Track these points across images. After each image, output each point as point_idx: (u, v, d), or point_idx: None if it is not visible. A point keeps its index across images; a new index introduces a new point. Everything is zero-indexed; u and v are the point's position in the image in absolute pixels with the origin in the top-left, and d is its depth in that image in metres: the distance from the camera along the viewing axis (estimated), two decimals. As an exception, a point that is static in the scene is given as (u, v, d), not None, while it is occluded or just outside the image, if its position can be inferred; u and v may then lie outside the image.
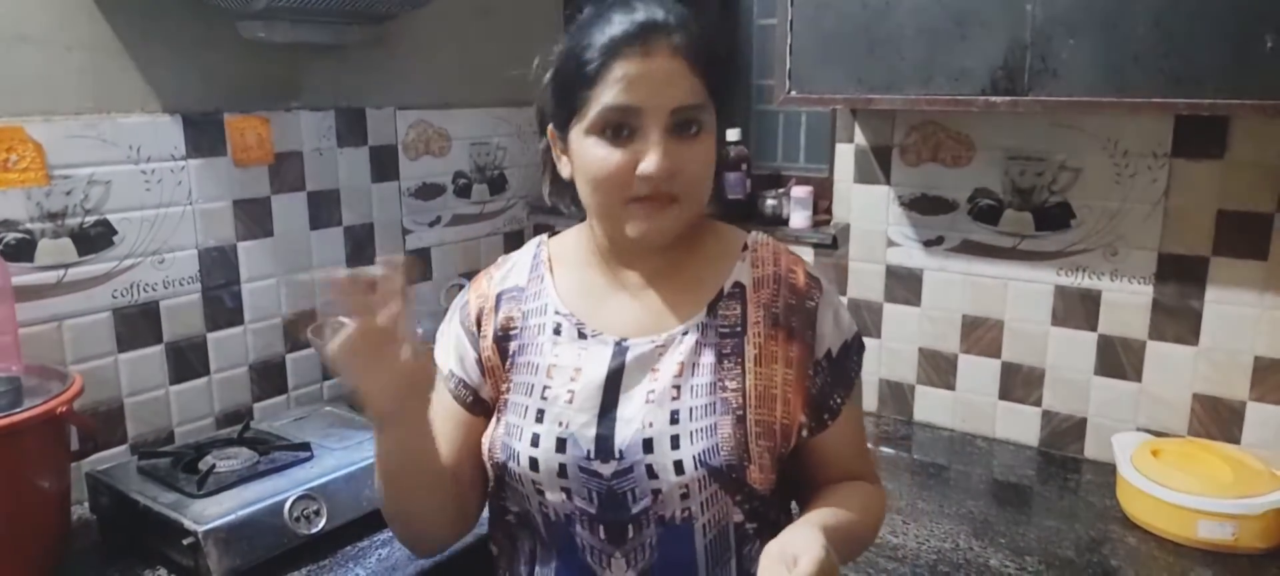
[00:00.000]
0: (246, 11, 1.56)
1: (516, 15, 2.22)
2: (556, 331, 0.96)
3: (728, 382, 0.90)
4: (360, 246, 1.94)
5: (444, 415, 1.00)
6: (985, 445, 1.80)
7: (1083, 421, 1.72)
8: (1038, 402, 1.76)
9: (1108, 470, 1.64)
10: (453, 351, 1.04)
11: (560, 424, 0.92)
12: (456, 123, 2.12)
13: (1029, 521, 1.50)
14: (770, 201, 2.00)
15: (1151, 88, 1.29)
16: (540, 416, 0.93)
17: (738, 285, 0.95)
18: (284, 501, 1.35)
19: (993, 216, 1.73)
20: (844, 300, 0.99)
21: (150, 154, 1.57)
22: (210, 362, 1.71)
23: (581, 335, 0.95)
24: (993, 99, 1.40)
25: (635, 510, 0.91)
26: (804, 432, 0.94)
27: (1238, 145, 1.49)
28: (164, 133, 1.59)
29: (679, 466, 0.88)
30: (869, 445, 1.07)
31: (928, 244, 1.81)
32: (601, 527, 0.93)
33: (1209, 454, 1.49)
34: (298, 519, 1.35)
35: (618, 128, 0.86)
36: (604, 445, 0.90)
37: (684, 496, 0.90)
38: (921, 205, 1.81)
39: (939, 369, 1.86)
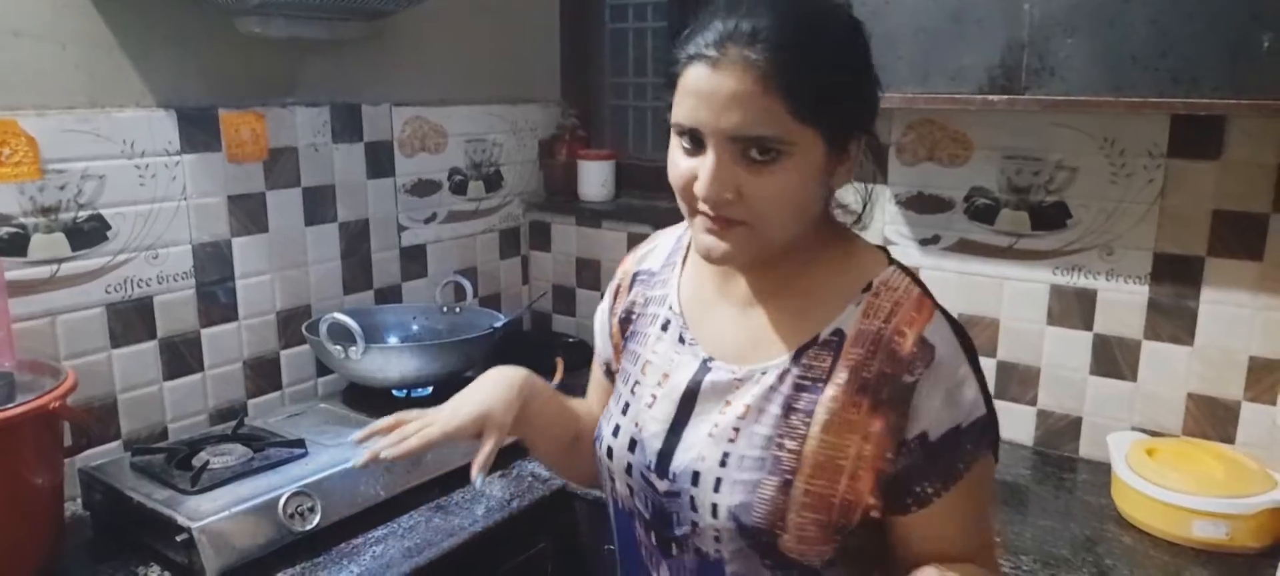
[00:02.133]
0: (243, 7, 1.55)
1: (514, 12, 2.22)
2: (664, 327, 0.95)
3: (787, 442, 0.83)
4: (355, 243, 1.94)
5: (594, 382, 1.12)
6: (980, 444, 1.80)
7: (1078, 420, 1.72)
8: (1033, 401, 1.76)
9: (1103, 469, 1.64)
10: (601, 323, 1.09)
11: (637, 424, 0.93)
12: (453, 119, 2.11)
13: (1024, 520, 1.50)
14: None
15: (1149, 87, 1.30)
16: (625, 409, 0.95)
17: (838, 332, 0.83)
18: (278, 498, 1.34)
19: (989, 215, 1.73)
20: (969, 376, 0.83)
21: (145, 149, 1.57)
22: (204, 359, 1.70)
23: (681, 339, 0.93)
24: (991, 97, 1.40)
25: (678, 532, 0.90)
26: (873, 514, 0.84)
27: (1234, 145, 1.49)
28: (158, 127, 1.58)
29: (714, 510, 0.86)
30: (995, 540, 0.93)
31: (923, 242, 1.81)
32: (653, 534, 0.93)
33: (1204, 453, 1.49)
34: (292, 515, 1.35)
35: (690, 134, 0.81)
36: (663, 462, 0.89)
37: (716, 538, 0.87)
38: (918, 204, 1.81)
39: (935, 368, 1.85)
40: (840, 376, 0.82)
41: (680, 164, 0.82)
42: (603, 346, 1.07)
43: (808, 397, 0.83)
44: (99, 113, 1.51)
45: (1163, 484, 1.41)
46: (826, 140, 0.79)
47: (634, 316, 1.00)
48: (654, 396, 0.92)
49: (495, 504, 1.54)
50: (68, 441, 1.36)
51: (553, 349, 2.05)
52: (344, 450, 1.51)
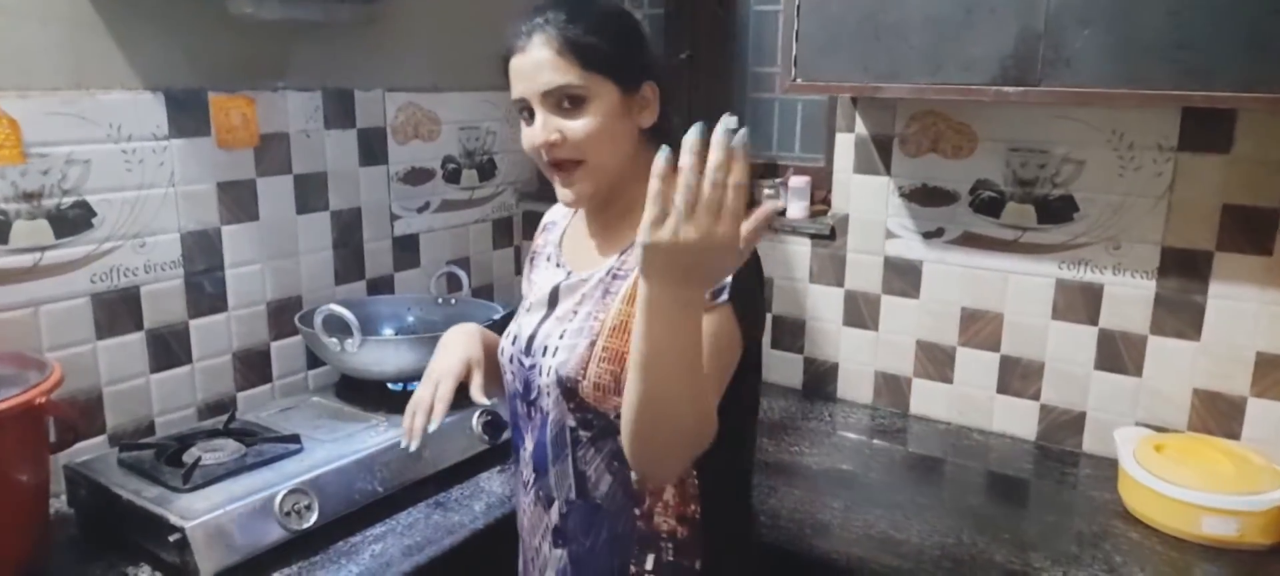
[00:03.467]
0: (233, -14, 1.50)
1: (508, -3, 2.17)
2: (548, 259, 1.20)
3: (598, 315, 1.05)
4: (348, 232, 1.89)
5: None
6: (982, 438, 1.79)
7: (1081, 415, 1.71)
8: (1036, 396, 1.75)
9: (1106, 464, 1.63)
10: (524, 273, 1.29)
11: (520, 325, 1.17)
12: (446, 106, 2.07)
13: (1029, 516, 1.49)
14: (767, 192, 1.97)
15: (1165, 79, 1.28)
16: (518, 327, 1.18)
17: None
18: (274, 496, 1.30)
19: (994, 209, 1.72)
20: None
21: (131, 133, 1.51)
22: (192, 350, 1.65)
23: (557, 264, 1.18)
24: (1004, 89, 1.38)
25: (532, 397, 1.12)
26: None
27: (1244, 139, 1.48)
28: (145, 111, 1.53)
29: (547, 371, 1.08)
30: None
31: (927, 236, 1.80)
32: (521, 403, 1.15)
33: (1211, 449, 1.48)
34: (288, 514, 1.30)
35: (524, 110, 1.07)
36: (529, 345, 1.13)
37: (547, 394, 1.09)
38: (922, 196, 1.79)
39: (936, 361, 1.84)
40: (632, 279, 1.02)
41: (527, 135, 1.07)
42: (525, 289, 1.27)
43: (618, 284, 1.05)
44: (84, 94, 1.45)
45: (1172, 480, 1.40)
46: (618, 84, 1.02)
47: (534, 258, 1.25)
48: (531, 304, 1.17)
49: (495, 499, 1.51)
50: (53, 437, 1.30)
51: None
52: (339, 445, 1.46)
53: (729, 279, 0.95)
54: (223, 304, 1.68)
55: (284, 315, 1.77)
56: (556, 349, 1.07)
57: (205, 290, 1.65)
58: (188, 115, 1.58)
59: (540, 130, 1.03)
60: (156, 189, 1.56)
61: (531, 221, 2.30)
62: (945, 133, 1.73)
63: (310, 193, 1.80)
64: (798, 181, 1.92)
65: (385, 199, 1.96)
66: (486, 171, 2.20)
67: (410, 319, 1.84)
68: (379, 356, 1.56)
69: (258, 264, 1.73)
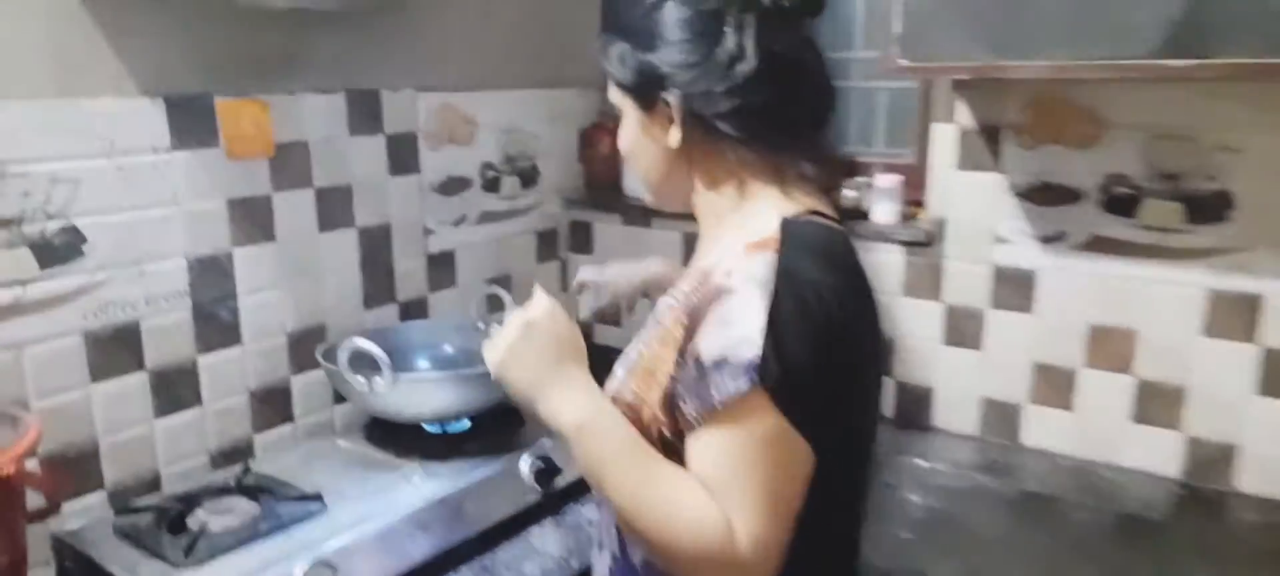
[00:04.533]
0: (239, -28, 1.30)
1: (550, -17, 1.95)
2: None
3: (640, 346, 0.90)
4: (376, 250, 1.68)
5: None
6: (1111, 475, 1.53)
7: (1237, 449, 1.45)
8: (1178, 426, 1.49)
9: (1270, 507, 1.37)
10: None
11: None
12: (484, 107, 1.85)
13: (1177, 568, 1.24)
14: (849, 193, 1.73)
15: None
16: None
17: (708, 270, 0.86)
18: (292, 572, 1.09)
19: (1129, 207, 1.46)
20: (756, 313, 0.78)
21: (126, 146, 1.31)
22: (202, 391, 1.44)
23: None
24: (1171, 62, 1.12)
25: None
26: (665, 430, 0.84)
27: None
28: (142, 120, 1.32)
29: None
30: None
31: (1046, 240, 1.54)
32: None
33: None
34: (309, 594, 1.09)
35: None
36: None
37: None
38: (1040, 195, 1.53)
39: (1055, 386, 1.58)
40: (681, 293, 0.87)
41: None
42: None
43: (665, 314, 0.87)
44: (69, 103, 1.25)
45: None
46: (635, 100, 0.90)
47: None
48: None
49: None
50: (39, 503, 1.11)
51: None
52: (369, 503, 1.25)
53: (733, 373, 0.76)
54: (236, 337, 1.48)
55: (306, 347, 1.56)
56: (611, 376, 0.93)
57: (216, 322, 1.45)
58: (191, 123, 1.38)
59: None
60: (157, 209, 1.35)
61: (579, 232, 2.08)
62: (1070, 119, 1.47)
63: (334, 207, 1.60)
64: (886, 181, 1.68)
65: (417, 212, 1.75)
66: (529, 178, 1.98)
67: (448, 349, 1.62)
68: (413, 396, 1.35)
69: (276, 290, 1.52)
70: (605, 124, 2.08)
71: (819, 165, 0.93)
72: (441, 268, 1.81)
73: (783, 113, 0.86)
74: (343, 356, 1.29)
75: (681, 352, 0.81)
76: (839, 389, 0.81)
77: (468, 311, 1.69)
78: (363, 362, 1.35)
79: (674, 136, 0.87)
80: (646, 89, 0.87)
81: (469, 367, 1.52)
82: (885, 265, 1.69)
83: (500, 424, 1.43)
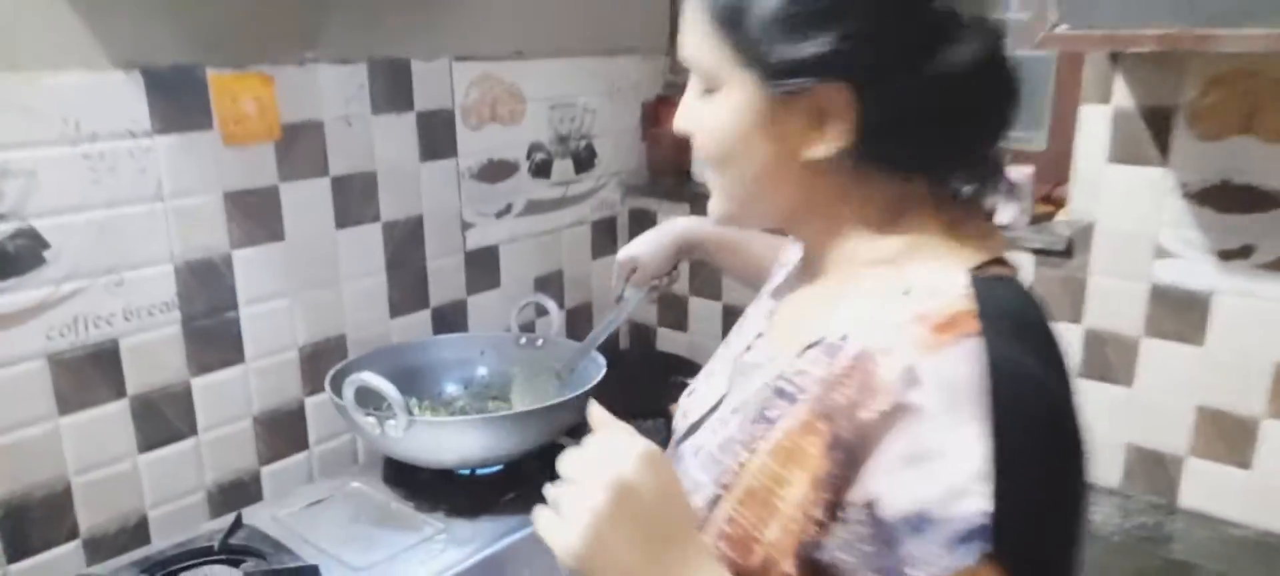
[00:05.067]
0: (228, -84, 1.05)
1: (610, -67, 1.68)
2: (774, 293, 0.79)
3: (740, 450, 0.64)
4: (405, 248, 1.44)
5: None
6: (1298, 549, 1.23)
7: None
8: (1394, 496, 1.17)
9: None
10: None
11: (698, 385, 0.79)
12: (532, 78, 1.59)
13: None
14: (966, 188, 1.42)
15: None
16: (709, 372, 0.80)
17: (843, 338, 0.61)
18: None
19: (1347, 219, 1.13)
20: (973, 446, 0.50)
21: (96, 130, 1.09)
22: (197, 419, 1.23)
23: (769, 311, 0.77)
24: None
25: None
26: None
27: None
28: (117, 98, 1.10)
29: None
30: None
31: (1226, 255, 1.22)
32: None
33: None
34: None
35: None
36: (689, 431, 0.74)
37: None
38: (1220, 198, 1.21)
39: (1228, 437, 1.27)
40: (818, 389, 0.60)
41: None
42: None
43: (780, 407, 0.63)
44: (23, 78, 1.03)
45: None
46: (762, 80, 0.61)
47: (775, 273, 0.86)
48: (718, 367, 0.77)
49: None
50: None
51: (669, 391, 1.53)
52: (377, 574, 1.02)
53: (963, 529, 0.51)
54: (237, 354, 1.26)
55: (321, 363, 1.34)
56: (693, 471, 0.68)
57: (213, 338, 1.23)
58: (179, 102, 1.15)
59: (678, 109, 0.69)
60: (137, 205, 1.13)
61: (641, 223, 1.81)
62: (1270, 101, 1.15)
63: (354, 199, 1.36)
64: (1014, 173, 1.37)
65: (454, 202, 1.51)
66: (584, 161, 1.72)
67: (482, 370, 1.37)
68: (432, 441, 1.10)
69: (284, 298, 1.30)
70: (673, 98, 1.80)
71: (985, 186, 0.66)
72: (482, 267, 1.57)
73: (983, 121, 0.60)
74: (348, 393, 1.06)
75: (835, 495, 0.56)
76: (1075, 531, 0.55)
77: (510, 323, 1.44)
78: (373, 399, 1.11)
79: (824, 144, 0.61)
80: (797, 72, 0.59)
81: (502, 398, 1.29)
82: (1011, 277, 1.39)
83: (540, 465, 1.18)
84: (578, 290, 1.76)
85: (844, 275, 0.65)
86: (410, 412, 1.05)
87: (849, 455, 0.55)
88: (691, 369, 1.74)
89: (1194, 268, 1.25)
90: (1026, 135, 1.52)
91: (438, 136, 1.46)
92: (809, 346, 0.62)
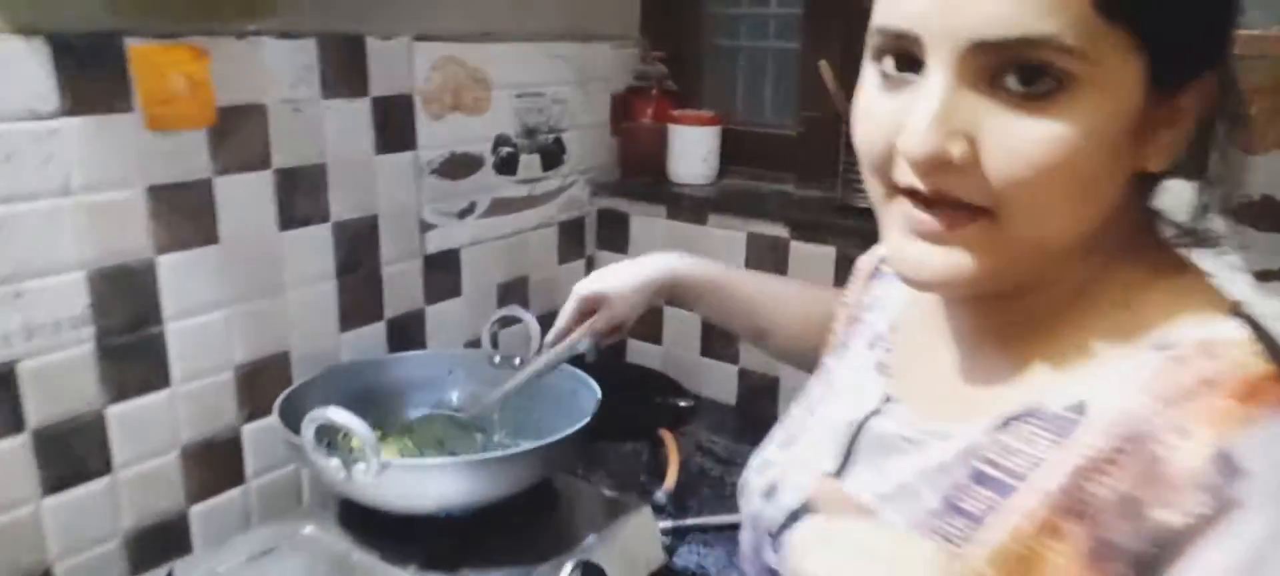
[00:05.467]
0: None
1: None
2: (871, 344, 0.66)
3: (954, 521, 0.50)
4: (358, 251, 1.27)
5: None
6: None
7: None
8: None
9: None
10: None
11: (786, 467, 0.64)
12: (499, 63, 1.43)
13: None
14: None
15: None
16: (788, 442, 0.67)
17: (1078, 407, 0.48)
18: None
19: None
20: None
21: (-12, 108, 0.89)
22: (112, 453, 1.04)
23: (878, 367, 0.63)
24: None
25: None
26: None
27: None
28: (16, 70, 0.90)
29: None
30: None
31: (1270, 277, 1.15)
32: None
33: None
34: None
35: (899, 57, 0.49)
36: (782, 532, 0.60)
37: None
38: (1262, 215, 1.15)
39: None
40: (1051, 478, 0.46)
41: (876, 108, 0.51)
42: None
43: (985, 498, 0.48)
44: (-108, 41, 0.83)
45: None
46: (1153, 67, 0.45)
47: (855, 319, 0.72)
48: (818, 435, 0.64)
49: None
50: None
51: (653, 413, 1.40)
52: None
53: None
54: (162, 376, 1.07)
55: (262, 384, 1.16)
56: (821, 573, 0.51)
57: (132, 358, 1.04)
58: (93, 77, 0.96)
59: (931, 120, 0.46)
60: (40, 201, 0.94)
61: (611, 225, 1.67)
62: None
63: (300, 196, 1.18)
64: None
65: (413, 201, 1.34)
66: (552, 157, 1.57)
67: (454, 394, 1.21)
68: (410, 487, 0.94)
69: (219, 310, 1.11)
70: (646, 88, 1.67)
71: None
72: (442, 272, 1.40)
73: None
74: (308, 432, 0.88)
75: None
76: None
77: (483, 341, 1.28)
78: (336, 436, 0.94)
79: (1158, 153, 0.49)
80: (1198, 56, 0.47)
81: (475, 428, 1.13)
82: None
83: (525, 507, 1.04)
84: (543, 297, 1.60)
85: (1037, 321, 0.52)
86: (380, 454, 0.88)
87: (1138, 570, 0.42)
88: (670, 387, 1.63)
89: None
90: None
91: (395, 125, 1.29)
92: (1013, 418, 0.49)
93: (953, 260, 0.49)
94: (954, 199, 0.48)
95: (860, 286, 0.73)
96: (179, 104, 1.03)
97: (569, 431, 0.97)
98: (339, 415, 0.86)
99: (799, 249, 1.47)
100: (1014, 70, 0.45)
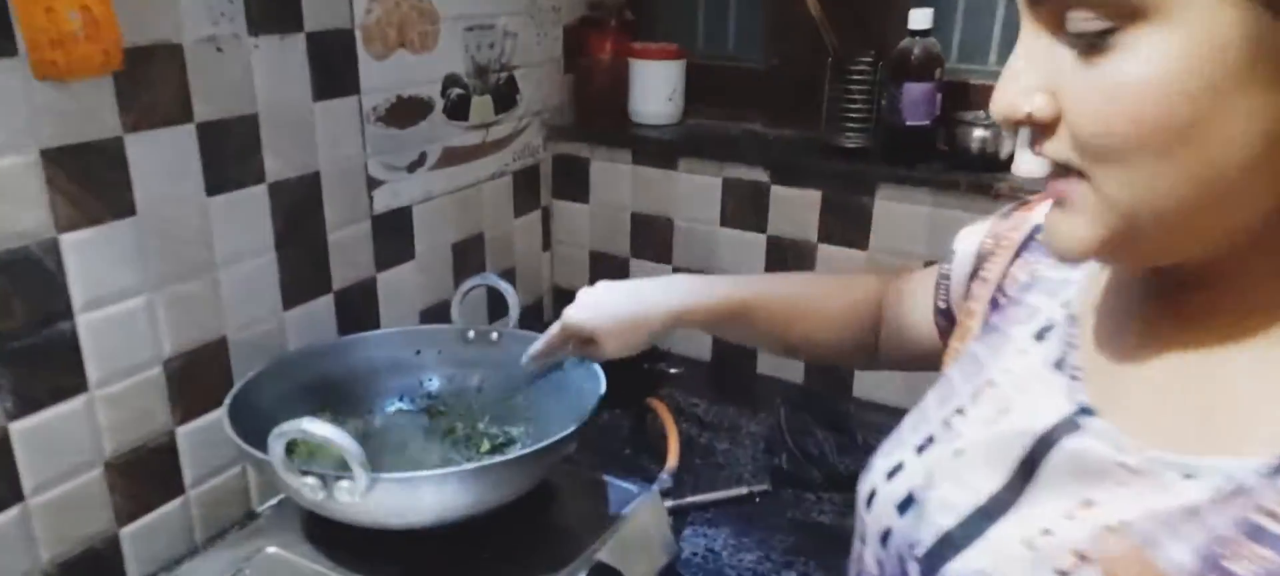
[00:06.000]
0: None
1: None
2: (1040, 335, 0.55)
3: None
4: (298, 217, 1.09)
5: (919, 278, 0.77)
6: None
7: None
8: None
9: None
10: (964, 252, 0.68)
11: (930, 474, 0.54)
12: (447, -8, 1.25)
13: None
14: (977, 133, 1.24)
15: None
16: (926, 444, 0.56)
17: None
18: None
19: None
20: None
21: None
22: (21, 478, 0.86)
23: (1060, 363, 0.52)
24: None
25: None
26: None
27: None
28: None
29: None
30: None
31: None
32: None
33: None
34: None
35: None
36: (936, 559, 0.50)
37: None
38: None
39: None
40: None
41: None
42: (956, 278, 0.69)
43: (1266, 561, 0.37)
44: None
45: None
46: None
47: (1002, 301, 0.60)
48: (974, 442, 0.53)
49: None
50: None
51: (640, 380, 1.28)
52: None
53: None
54: (77, 379, 0.89)
55: (198, 378, 0.99)
56: None
57: (38, 361, 0.85)
58: (-39, 14, 0.75)
59: (1007, 74, 0.44)
60: (-98, 175, 0.74)
61: (568, 172, 1.53)
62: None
63: (229, 154, 0.99)
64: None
65: (358, 154, 1.16)
66: (504, 98, 1.40)
67: (431, 379, 1.06)
68: (402, 502, 0.79)
69: (139, 295, 0.93)
70: (602, 20, 1.51)
71: None
72: (392, 234, 1.24)
73: None
74: (276, 449, 0.73)
75: None
76: None
77: (452, 313, 1.13)
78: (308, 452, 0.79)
79: None
80: None
81: (456, 416, 0.99)
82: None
83: (520, 506, 0.91)
84: (500, 255, 1.45)
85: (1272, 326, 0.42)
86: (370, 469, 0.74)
87: None
88: (661, 354, 1.50)
89: None
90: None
91: (335, 67, 1.11)
92: None
93: (1069, 227, 0.44)
94: (1055, 160, 0.44)
95: (1005, 259, 0.63)
96: (74, 46, 0.83)
97: (575, 426, 0.84)
98: (316, 428, 0.71)
99: (781, 194, 1.36)
100: (1075, 9, 0.41)
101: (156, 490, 0.98)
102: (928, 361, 0.72)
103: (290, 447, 0.76)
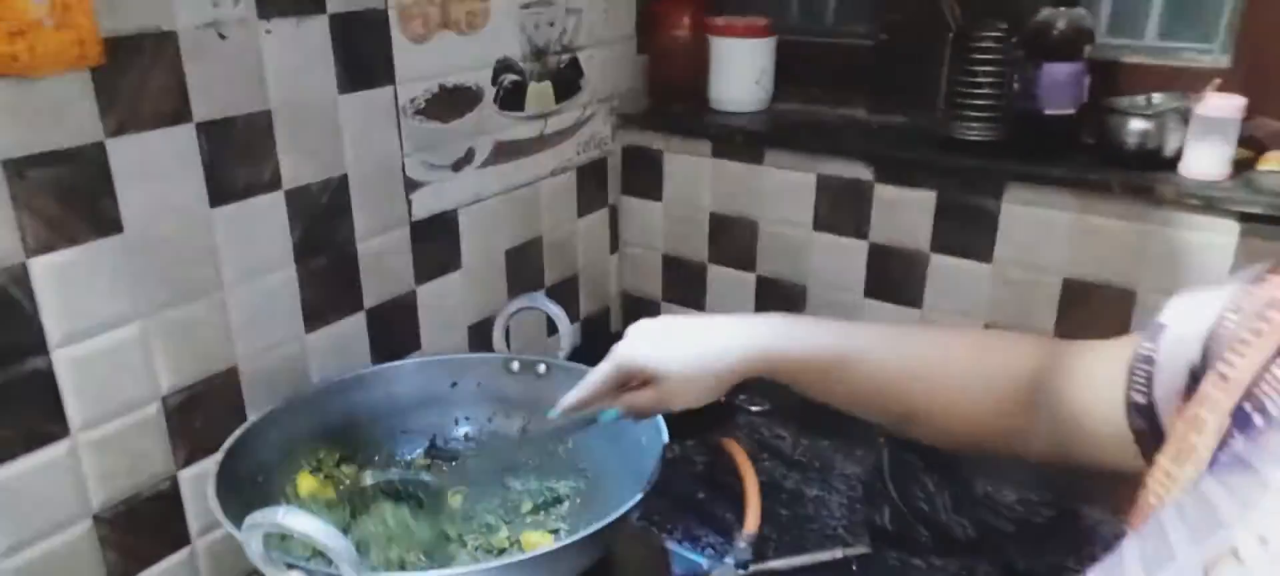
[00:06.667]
0: None
1: None
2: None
3: None
4: (321, 226, 0.95)
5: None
6: None
7: None
8: None
9: None
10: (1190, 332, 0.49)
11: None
12: (497, -36, 1.09)
13: None
14: (1135, 123, 1.01)
15: None
16: None
17: None
18: None
19: None
20: None
21: None
22: (-10, 538, 0.74)
23: None
24: None
25: None
26: None
27: None
28: None
29: None
30: None
31: None
32: None
33: None
34: None
35: None
36: None
37: None
38: None
39: None
40: None
41: None
42: (1168, 368, 0.50)
43: None
44: None
45: None
46: None
47: (1258, 420, 0.40)
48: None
49: None
50: None
51: (712, 410, 1.11)
52: None
53: None
54: (56, 423, 0.77)
55: (205, 414, 0.86)
56: None
57: (9, 404, 0.73)
58: (-109, 0, 0.63)
59: None
60: None
61: (640, 166, 1.36)
62: None
63: (236, 158, 0.86)
64: (1218, 104, 0.96)
65: (393, 152, 1.02)
66: (567, 84, 1.24)
67: (464, 428, 0.90)
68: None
69: (130, 324, 0.80)
70: (680, -8, 1.33)
71: None
72: (435, 242, 1.09)
73: None
74: (252, 543, 0.59)
75: None
76: None
77: (494, 339, 0.97)
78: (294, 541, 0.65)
79: None
80: None
81: (512, 492, 0.83)
82: (1198, 250, 1.00)
83: None
84: (559, 264, 1.29)
85: None
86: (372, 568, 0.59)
87: None
88: (740, 385, 1.31)
89: None
90: (1192, 46, 1.12)
91: (364, 54, 0.96)
92: None
93: None
94: None
95: (1265, 351, 0.42)
96: (41, 37, 0.69)
97: (636, 499, 0.67)
98: (294, 521, 0.56)
99: (886, 195, 1.16)
100: None
101: (157, 543, 0.86)
102: (1108, 466, 0.52)
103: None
